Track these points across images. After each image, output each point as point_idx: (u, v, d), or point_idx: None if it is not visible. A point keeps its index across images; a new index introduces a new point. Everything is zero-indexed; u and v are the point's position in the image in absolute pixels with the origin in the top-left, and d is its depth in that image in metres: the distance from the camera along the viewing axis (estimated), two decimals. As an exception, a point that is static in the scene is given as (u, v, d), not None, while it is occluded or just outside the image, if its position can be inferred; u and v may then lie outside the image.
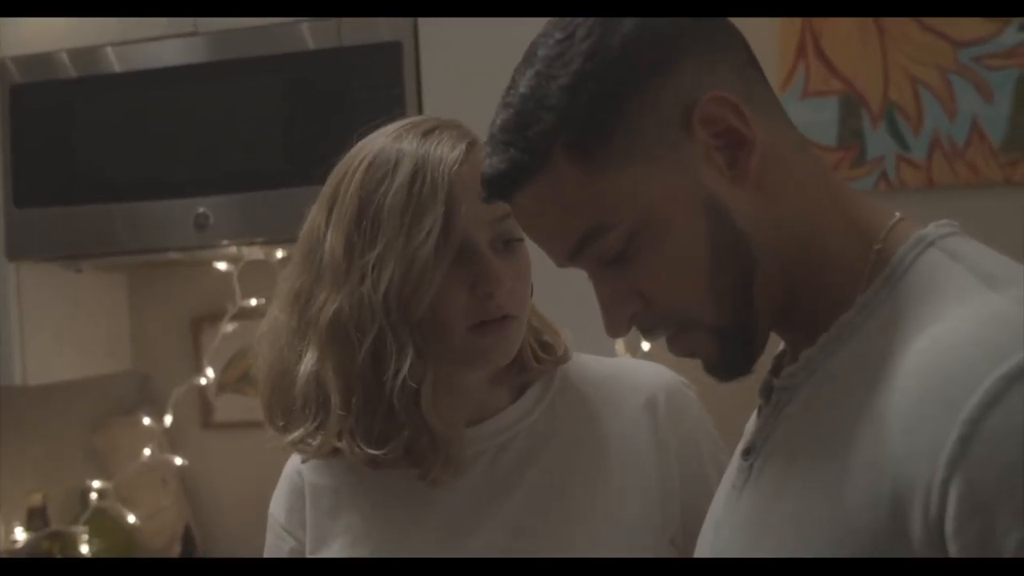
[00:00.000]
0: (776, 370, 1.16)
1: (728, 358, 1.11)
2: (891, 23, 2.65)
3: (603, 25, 1.06)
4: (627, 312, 1.10)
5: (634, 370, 1.59)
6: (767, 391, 1.15)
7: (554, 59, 1.06)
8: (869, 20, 2.66)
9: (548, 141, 1.05)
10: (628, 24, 1.06)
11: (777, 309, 1.10)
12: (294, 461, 1.60)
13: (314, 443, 1.47)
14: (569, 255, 1.10)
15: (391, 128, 1.48)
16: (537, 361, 1.55)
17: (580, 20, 1.07)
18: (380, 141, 1.47)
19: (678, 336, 1.11)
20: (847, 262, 1.08)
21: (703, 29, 1.09)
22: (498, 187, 1.10)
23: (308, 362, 1.46)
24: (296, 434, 1.48)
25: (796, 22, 2.70)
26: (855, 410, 1.00)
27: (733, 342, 1.10)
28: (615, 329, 1.11)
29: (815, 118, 2.69)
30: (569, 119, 1.05)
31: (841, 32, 2.69)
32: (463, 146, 1.43)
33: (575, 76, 1.05)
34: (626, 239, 1.06)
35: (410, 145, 1.44)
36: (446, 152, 1.42)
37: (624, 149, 1.05)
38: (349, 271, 1.42)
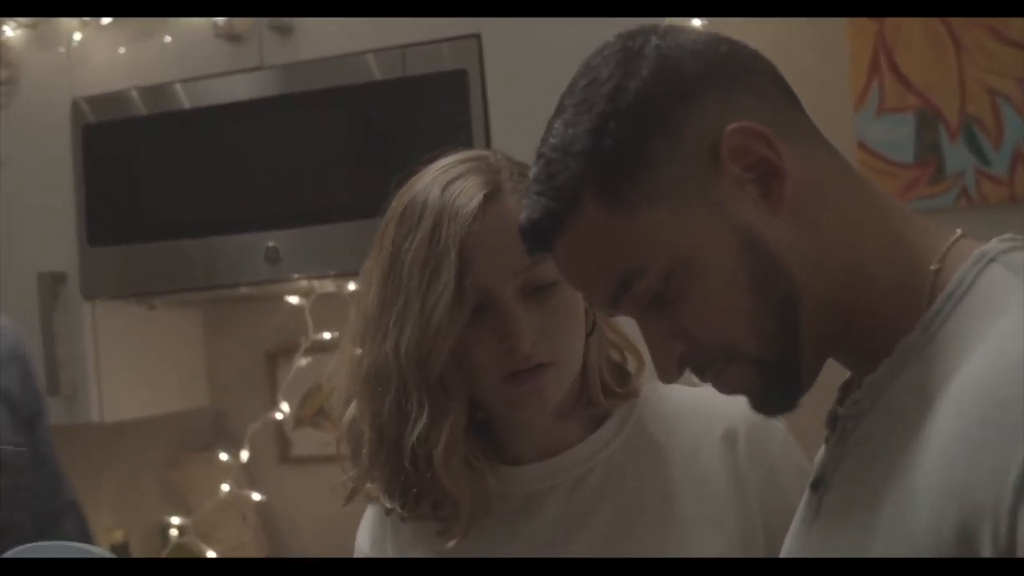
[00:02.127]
0: (842, 399, 1.13)
1: (774, 392, 1.10)
2: (966, 35, 2.60)
3: (623, 67, 1.06)
4: (674, 354, 1.09)
5: (714, 401, 1.52)
6: (833, 421, 1.12)
7: (579, 105, 1.06)
8: (943, 33, 2.61)
9: (576, 187, 1.05)
10: (647, 64, 1.06)
11: (828, 337, 1.07)
12: (361, 538, 1.61)
13: (347, 489, 1.51)
14: (610, 302, 1.09)
15: (434, 168, 1.46)
16: (608, 395, 1.52)
17: (603, 64, 1.07)
18: (417, 187, 1.45)
19: (725, 372, 1.09)
20: (902, 285, 1.05)
21: (725, 64, 1.08)
22: (534, 237, 1.10)
23: (350, 410, 1.49)
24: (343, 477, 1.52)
25: (867, 39, 2.66)
26: (919, 434, 0.97)
27: (779, 375, 1.08)
28: (666, 373, 1.10)
29: (891, 135, 2.65)
30: (594, 163, 1.04)
31: (915, 47, 2.64)
32: (480, 198, 1.39)
33: (597, 119, 1.05)
34: (663, 280, 1.05)
35: (434, 196, 1.41)
36: (461, 206, 1.39)
37: (651, 189, 1.04)
38: (378, 326, 1.43)
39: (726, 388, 1.11)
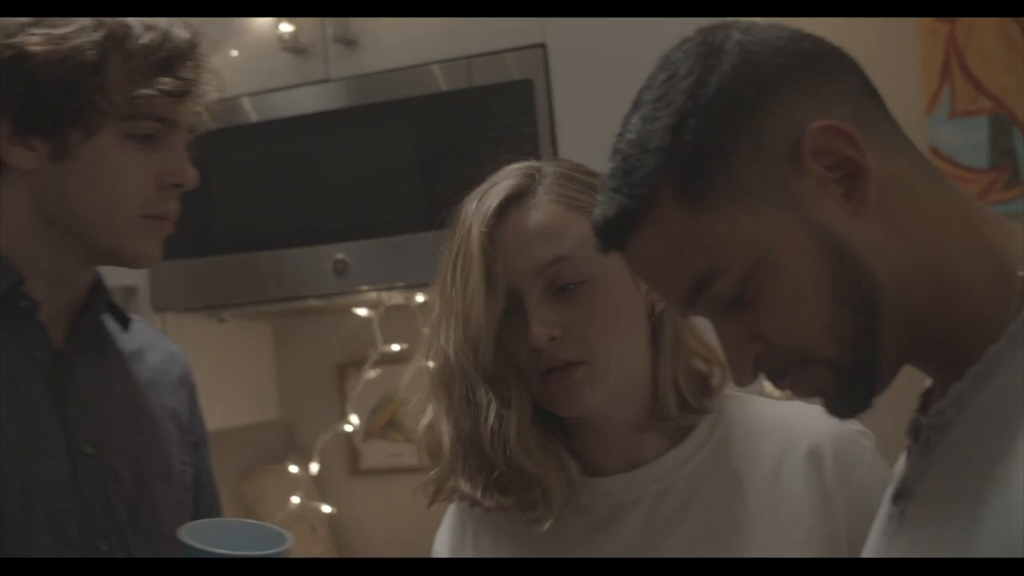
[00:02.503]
0: (924, 408, 1.10)
1: (849, 394, 1.07)
2: (1041, 37, 2.56)
3: (704, 62, 1.04)
4: (750, 357, 1.06)
5: (802, 416, 1.51)
6: (915, 431, 1.09)
7: (657, 100, 1.04)
8: (1017, 34, 2.57)
9: (652, 184, 1.03)
10: (728, 60, 1.04)
11: (908, 341, 1.05)
12: (440, 536, 1.62)
13: (431, 489, 1.54)
14: (686, 302, 1.07)
15: (493, 178, 1.52)
16: (685, 408, 1.50)
17: (682, 58, 1.05)
18: (472, 194, 1.51)
19: (801, 375, 1.06)
20: (987, 291, 1.02)
21: (808, 60, 1.06)
22: (608, 235, 1.08)
23: (427, 414, 1.54)
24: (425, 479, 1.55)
25: (938, 41, 2.62)
26: (1010, 446, 0.94)
27: (856, 379, 1.05)
28: (741, 376, 1.08)
29: (964, 139, 2.61)
30: (672, 160, 1.02)
31: (987, 48, 2.60)
32: (500, 200, 1.46)
33: (676, 116, 1.03)
34: (741, 281, 1.03)
35: (470, 203, 1.49)
36: (484, 210, 1.46)
37: (730, 188, 1.02)
38: (438, 329, 1.50)
39: (801, 391, 1.08)
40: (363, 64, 2.75)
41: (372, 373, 3.05)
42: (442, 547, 1.61)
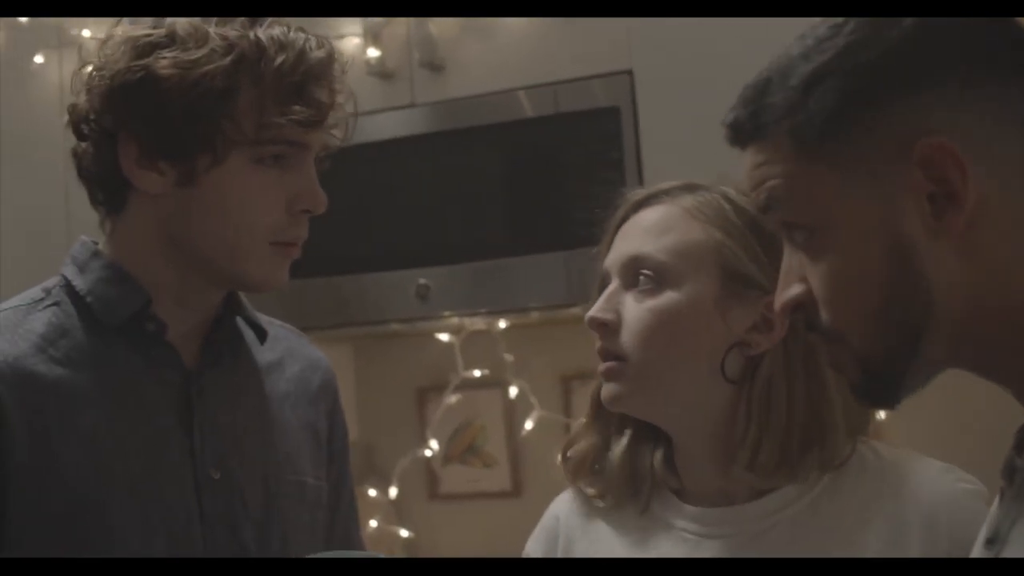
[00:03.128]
0: (1020, 447, 1.06)
1: (871, 387, 1.07)
2: None
3: (873, 28, 1.03)
4: (796, 293, 1.07)
5: (918, 474, 1.45)
6: (1010, 472, 1.05)
7: (822, 41, 1.04)
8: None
9: (775, 116, 1.04)
10: (894, 37, 1.02)
11: (951, 362, 1.04)
12: (553, 508, 1.61)
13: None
14: (760, 208, 1.09)
15: None
16: (780, 463, 1.43)
17: (855, 20, 1.04)
18: None
19: (829, 348, 1.07)
20: None
21: (985, 60, 1.03)
22: (731, 138, 1.10)
23: None
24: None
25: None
26: None
27: (878, 374, 1.05)
28: (782, 305, 1.08)
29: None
30: (803, 104, 1.03)
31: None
32: (639, 198, 1.51)
33: (823, 66, 1.02)
34: (808, 235, 1.04)
35: None
36: (622, 203, 1.52)
37: (836, 153, 1.02)
38: None
39: (828, 360, 1.10)
40: (449, 89, 2.76)
41: (453, 398, 3.05)
42: (534, 552, 1.60)
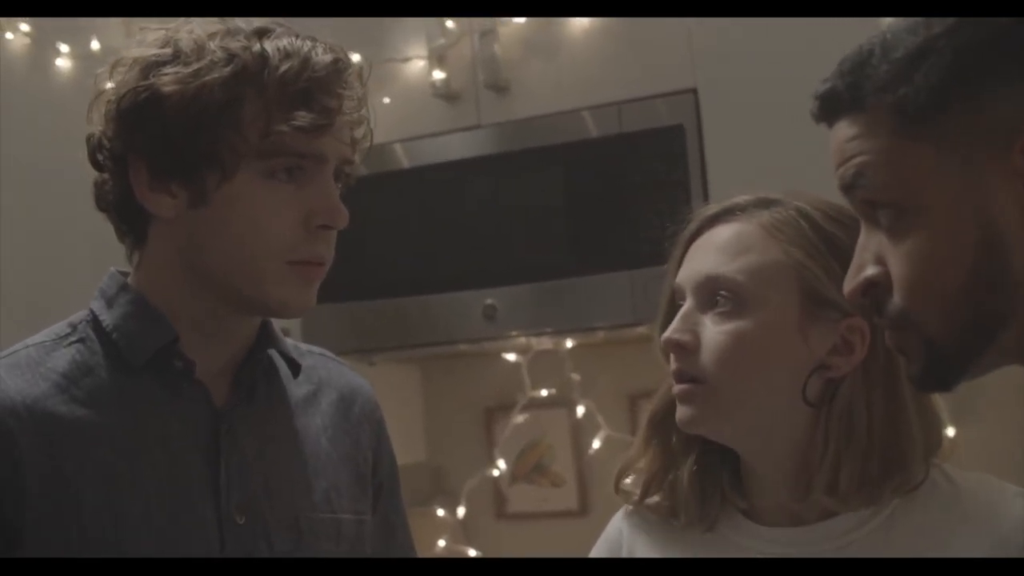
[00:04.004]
0: None
1: (936, 372, 1.06)
2: None
3: (975, 23, 1.02)
4: (871, 274, 1.06)
5: (991, 498, 1.43)
6: None
7: (921, 25, 1.03)
8: None
9: (873, 92, 1.03)
10: (1006, 22, 1.01)
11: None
12: (616, 521, 1.59)
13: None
14: (844, 187, 1.07)
15: None
16: (864, 486, 1.40)
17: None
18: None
19: (894, 332, 1.06)
20: None
21: None
22: (822, 110, 1.09)
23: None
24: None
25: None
26: None
27: (945, 360, 1.04)
28: (852, 289, 1.07)
29: None
30: (903, 80, 1.02)
31: None
32: (712, 213, 1.48)
33: (931, 40, 1.01)
34: (895, 215, 1.03)
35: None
36: (696, 217, 1.49)
37: (936, 131, 1.01)
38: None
39: (893, 343, 1.08)
40: (514, 110, 2.78)
41: (520, 418, 3.05)
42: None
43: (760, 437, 1.44)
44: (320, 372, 1.58)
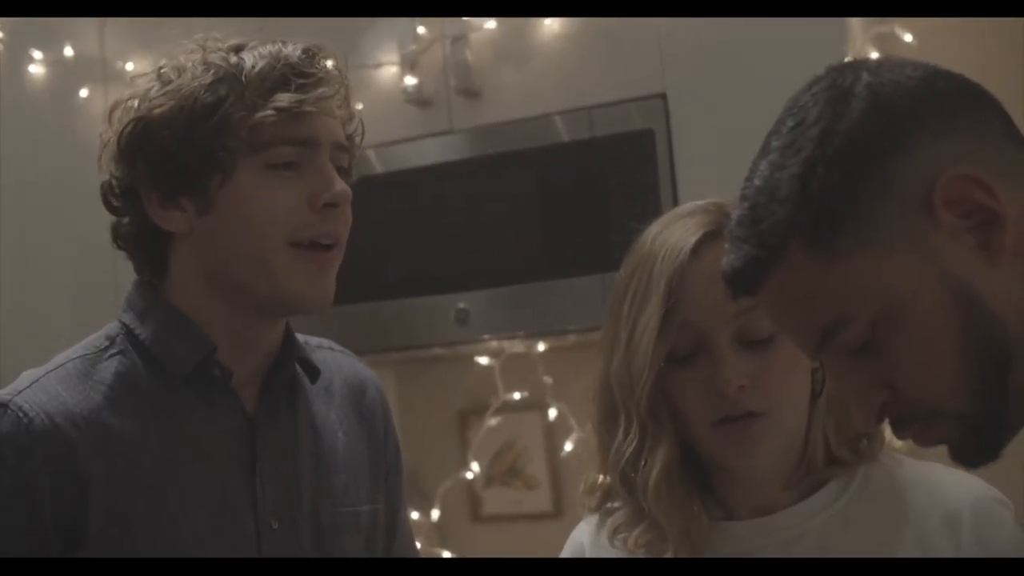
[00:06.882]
0: None
1: (977, 446, 1.05)
2: None
3: (833, 107, 1.02)
4: (877, 403, 1.04)
5: (940, 479, 1.47)
6: None
7: (786, 148, 1.02)
8: None
9: (781, 234, 1.01)
10: (858, 105, 1.01)
11: None
12: (576, 534, 1.60)
13: (588, 486, 1.56)
14: (815, 348, 1.05)
15: (670, 211, 1.51)
16: (831, 461, 1.47)
17: (811, 103, 1.03)
18: (649, 227, 1.49)
19: (926, 427, 1.05)
20: None
21: (943, 100, 1.03)
22: (738, 284, 1.07)
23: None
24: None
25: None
26: None
27: (983, 429, 1.03)
28: (865, 422, 1.06)
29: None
30: (801, 210, 1.01)
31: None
32: (698, 236, 1.42)
33: (805, 163, 1.01)
34: (869, 329, 1.01)
35: (654, 233, 1.45)
36: (676, 243, 1.42)
37: (860, 236, 1.00)
38: (601, 347, 1.48)
39: (925, 442, 1.06)
40: (485, 115, 2.79)
41: (493, 420, 3.06)
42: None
43: (783, 450, 1.46)
44: (331, 365, 1.64)
